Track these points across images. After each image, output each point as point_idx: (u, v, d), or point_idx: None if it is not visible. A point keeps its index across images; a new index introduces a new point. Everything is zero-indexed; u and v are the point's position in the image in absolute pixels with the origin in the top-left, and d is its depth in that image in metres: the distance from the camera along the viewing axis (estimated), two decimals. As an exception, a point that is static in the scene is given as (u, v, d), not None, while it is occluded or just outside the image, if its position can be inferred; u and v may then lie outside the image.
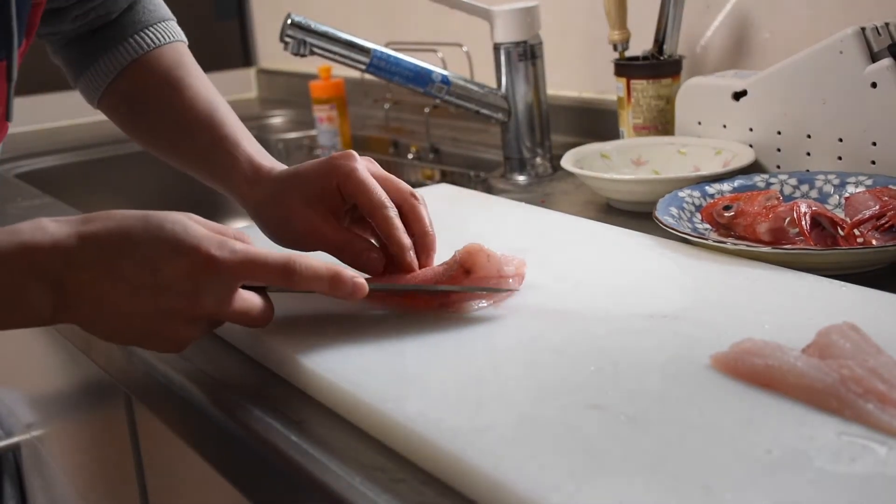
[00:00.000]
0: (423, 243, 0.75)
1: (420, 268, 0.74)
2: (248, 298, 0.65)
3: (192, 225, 0.63)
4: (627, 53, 1.25)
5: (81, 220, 0.63)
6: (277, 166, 0.82)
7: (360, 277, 0.66)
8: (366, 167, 0.75)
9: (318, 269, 0.65)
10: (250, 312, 0.65)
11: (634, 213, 1.03)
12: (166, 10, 0.94)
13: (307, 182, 0.76)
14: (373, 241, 0.77)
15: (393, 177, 0.77)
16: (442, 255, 0.75)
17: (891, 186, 0.88)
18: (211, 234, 0.63)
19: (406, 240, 0.73)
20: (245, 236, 0.66)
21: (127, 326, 0.63)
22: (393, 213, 0.74)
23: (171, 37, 0.92)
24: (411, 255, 0.73)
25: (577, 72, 1.48)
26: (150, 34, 0.91)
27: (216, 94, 0.89)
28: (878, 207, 0.82)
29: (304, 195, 0.76)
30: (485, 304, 0.72)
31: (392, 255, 0.74)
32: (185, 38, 0.94)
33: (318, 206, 0.75)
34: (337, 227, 0.75)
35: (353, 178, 0.74)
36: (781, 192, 0.94)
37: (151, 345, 0.65)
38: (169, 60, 0.90)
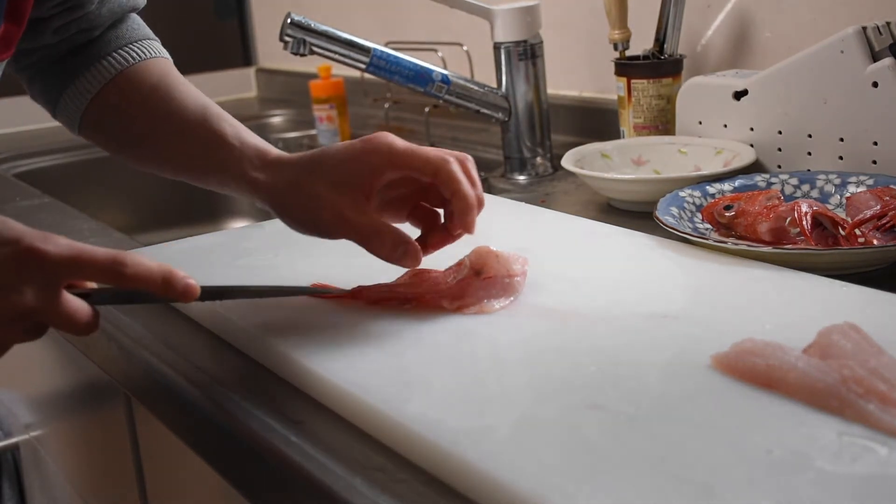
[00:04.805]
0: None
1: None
2: (76, 301, 0.61)
3: (14, 222, 0.61)
4: (628, 53, 1.25)
5: None
6: (285, 154, 0.79)
7: (191, 279, 0.63)
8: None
9: (150, 268, 0.62)
10: (77, 316, 0.61)
11: (635, 213, 1.03)
12: (149, 31, 0.92)
13: (336, 166, 0.73)
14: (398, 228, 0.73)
15: (423, 147, 0.74)
16: (445, 255, 0.75)
17: (892, 186, 0.88)
18: (34, 230, 0.60)
19: (473, 194, 0.70)
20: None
21: None
22: (456, 166, 0.71)
23: (155, 52, 0.90)
24: (474, 213, 0.70)
25: (577, 71, 1.48)
26: (136, 49, 0.88)
27: (208, 99, 0.86)
28: (879, 207, 0.82)
29: (332, 180, 0.73)
30: (506, 302, 0.72)
31: (452, 211, 0.71)
32: (169, 56, 0.92)
33: (347, 190, 0.72)
34: (365, 213, 0.72)
35: (399, 150, 0.71)
36: (782, 191, 0.94)
37: None
38: (157, 71, 0.87)
